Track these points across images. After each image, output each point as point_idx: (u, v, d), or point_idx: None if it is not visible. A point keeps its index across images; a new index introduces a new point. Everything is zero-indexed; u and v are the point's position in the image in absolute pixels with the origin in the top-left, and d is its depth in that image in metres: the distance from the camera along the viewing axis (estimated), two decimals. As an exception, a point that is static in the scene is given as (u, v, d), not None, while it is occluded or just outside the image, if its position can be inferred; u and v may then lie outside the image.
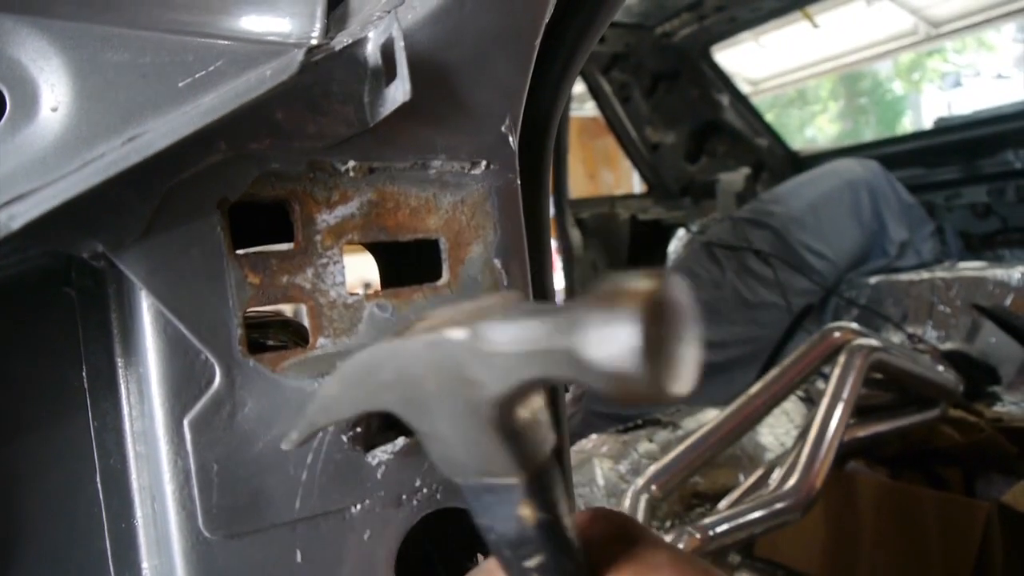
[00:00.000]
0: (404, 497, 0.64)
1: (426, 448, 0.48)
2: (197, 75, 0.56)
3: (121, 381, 0.62)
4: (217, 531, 0.57)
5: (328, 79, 0.59)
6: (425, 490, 0.65)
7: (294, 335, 1.05)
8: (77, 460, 0.61)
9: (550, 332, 0.40)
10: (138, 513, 0.62)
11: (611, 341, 0.36)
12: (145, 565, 0.62)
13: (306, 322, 0.63)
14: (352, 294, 0.63)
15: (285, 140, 0.59)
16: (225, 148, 0.56)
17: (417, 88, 0.57)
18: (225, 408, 0.57)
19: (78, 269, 0.60)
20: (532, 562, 0.47)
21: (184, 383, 0.56)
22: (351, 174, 0.62)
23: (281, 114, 0.58)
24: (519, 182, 0.70)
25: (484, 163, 0.67)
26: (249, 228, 0.65)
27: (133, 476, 0.62)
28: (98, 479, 0.62)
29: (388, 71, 0.59)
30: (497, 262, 0.68)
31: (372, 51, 0.60)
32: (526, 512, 0.46)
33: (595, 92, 4.89)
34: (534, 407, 0.47)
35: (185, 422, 0.56)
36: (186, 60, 0.56)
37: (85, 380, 0.61)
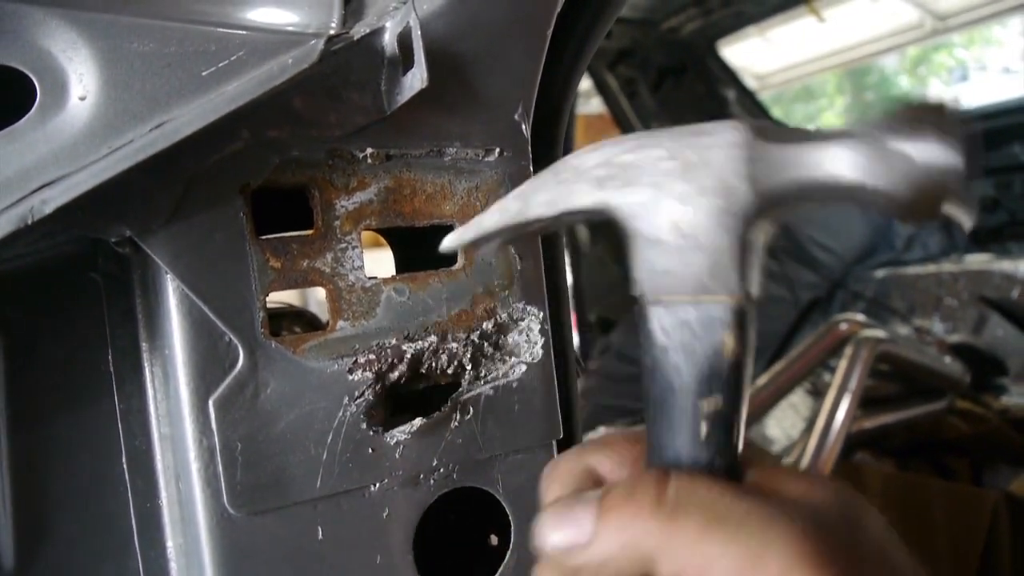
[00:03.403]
0: (421, 476, 0.65)
1: (635, 257, 0.45)
2: (220, 64, 0.57)
3: (146, 364, 0.63)
4: (241, 508, 0.59)
5: (347, 68, 0.61)
6: (442, 470, 0.66)
7: (307, 325, 1.07)
8: (103, 442, 0.63)
9: (846, 130, 0.40)
10: (162, 493, 0.64)
11: (926, 138, 0.37)
12: (169, 544, 0.64)
13: (314, 310, 0.64)
14: (370, 278, 0.64)
15: (305, 128, 0.60)
16: (247, 135, 0.58)
17: (433, 77, 0.59)
18: (248, 388, 0.59)
19: (104, 255, 0.62)
20: (708, 403, 0.44)
21: (209, 364, 0.58)
22: (369, 161, 0.63)
23: (301, 102, 0.60)
24: (532, 169, 0.71)
25: (498, 150, 0.69)
26: (271, 214, 0.67)
27: (158, 457, 0.64)
28: (124, 460, 0.63)
29: (405, 59, 0.61)
30: (511, 247, 0.70)
31: (389, 40, 0.62)
32: (728, 341, 0.44)
33: (601, 88, 4.89)
34: (767, 236, 0.45)
35: (210, 402, 0.58)
36: (209, 50, 0.57)
37: (111, 364, 0.63)
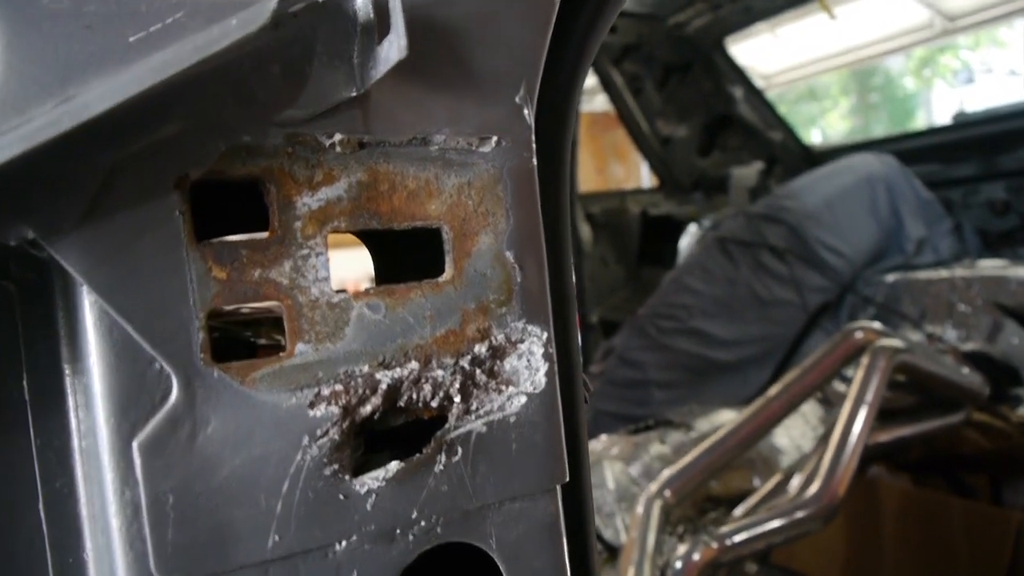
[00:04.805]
0: (398, 531, 0.55)
1: None
2: (152, 28, 0.46)
3: (69, 392, 0.52)
4: (172, 574, 0.48)
5: (311, 36, 0.50)
6: (423, 523, 0.55)
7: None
8: (17, 484, 0.52)
9: None
10: (87, 545, 0.53)
11: None
12: (97, 606, 0.53)
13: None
14: (338, 292, 0.53)
15: (258, 108, 0.49)
16: (184, 115, 0.47)
17: (416, 47, 0.48)
18: (183, 428, 0.48)
19: (17, 260, 0.51)
20: None
21: (133, 398, 0.47)
22: (337, 149, 0.53)
23: (252, 76, 0.49)
24: (536, 163, 0.60)
25: (495, 139, 0.58)
26: (218, 214, 0.56)
27: (82, 502, 0.53)
28: (41, 506, 0.53)
29: (381, 27, 0.50)
30: (509, 255, 0.59)
31: (363, 3, 0.51)
32: None
33: (606, 83, 4.81)
34: None
35: (134, 445, 0.47)
36: (138, 10, 0.46)
37: (27, 391, 0.52)
